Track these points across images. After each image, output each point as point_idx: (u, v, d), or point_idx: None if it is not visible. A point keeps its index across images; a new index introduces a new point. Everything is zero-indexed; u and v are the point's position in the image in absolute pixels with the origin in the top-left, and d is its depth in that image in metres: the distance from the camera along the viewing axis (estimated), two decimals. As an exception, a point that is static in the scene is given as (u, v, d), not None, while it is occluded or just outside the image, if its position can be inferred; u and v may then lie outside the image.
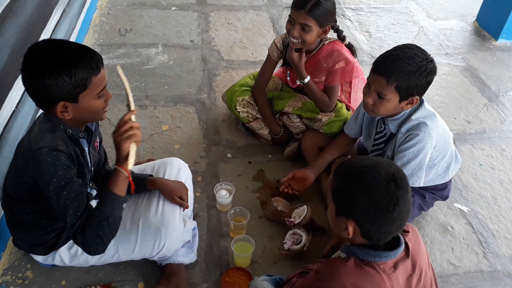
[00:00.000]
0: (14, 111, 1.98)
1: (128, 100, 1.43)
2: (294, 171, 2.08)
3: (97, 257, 1.60)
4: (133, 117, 1.40)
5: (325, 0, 1.97)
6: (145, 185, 1.71)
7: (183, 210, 1.74)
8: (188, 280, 1.76)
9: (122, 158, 1.38)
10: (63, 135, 1.39)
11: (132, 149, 1.37)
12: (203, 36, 3.35)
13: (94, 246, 1.39)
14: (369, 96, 1.69)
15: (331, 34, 2.17)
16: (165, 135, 2.47)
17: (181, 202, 1.71)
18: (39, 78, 1.27)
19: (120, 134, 1.36)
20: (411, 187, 1.23)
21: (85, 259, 1.63)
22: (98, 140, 1.65)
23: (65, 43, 1.37)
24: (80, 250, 1.54)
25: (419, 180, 1.76)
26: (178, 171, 1.87)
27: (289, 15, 2.04)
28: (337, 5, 2.11)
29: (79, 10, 3.11)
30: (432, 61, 1.64)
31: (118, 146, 1.37)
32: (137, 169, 1.86)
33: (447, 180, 1.95)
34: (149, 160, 2.08)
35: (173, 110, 2.64)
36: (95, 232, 1.36)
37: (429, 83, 1.66)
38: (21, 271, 1.75)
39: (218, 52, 3.20)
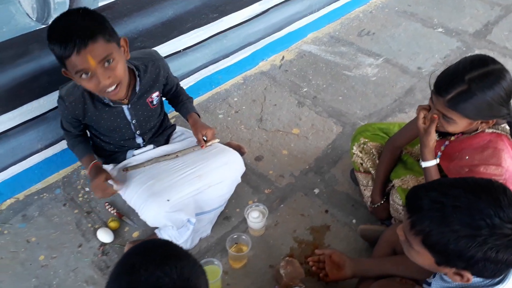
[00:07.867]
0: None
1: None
2: (335, 251, 1.59)
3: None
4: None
5: (480, 91, 1.30)
6: (185, 116, 1.86)
7: (198, 148, 1.80)
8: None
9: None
10: (81, 92, 1.56)
11: None
12: (436, 68, 2.77)
13: None
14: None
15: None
16: (286, 137, 2.31)
17: (201, 139, 1.76)
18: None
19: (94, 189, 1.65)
20: None
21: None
22: (155, 92, 1.70)
23: (80, 21, 1.34)
24: None
25: None
26: (224, 163, 1.78)
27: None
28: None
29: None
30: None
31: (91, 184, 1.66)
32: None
33: None
34: (228, 144, 2.03)
35: (320, 121, 2.40)
36: None
37: None
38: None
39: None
